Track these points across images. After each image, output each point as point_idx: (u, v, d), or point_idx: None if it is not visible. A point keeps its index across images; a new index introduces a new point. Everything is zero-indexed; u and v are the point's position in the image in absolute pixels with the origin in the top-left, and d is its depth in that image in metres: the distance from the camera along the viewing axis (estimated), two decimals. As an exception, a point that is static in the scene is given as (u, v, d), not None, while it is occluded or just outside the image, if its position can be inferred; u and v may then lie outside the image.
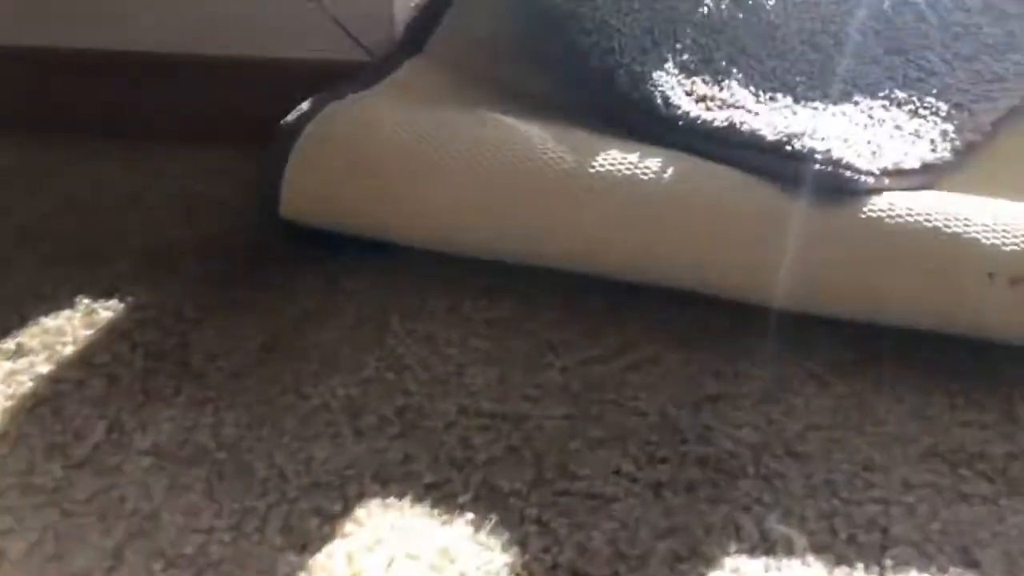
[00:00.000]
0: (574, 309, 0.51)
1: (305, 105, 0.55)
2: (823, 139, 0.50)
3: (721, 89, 0.57)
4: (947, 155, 0.56)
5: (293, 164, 0.53)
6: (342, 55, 0.71)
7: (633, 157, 0.51)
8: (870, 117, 0.58)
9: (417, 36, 0.65)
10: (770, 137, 0.50)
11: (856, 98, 0.60)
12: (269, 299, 0.51)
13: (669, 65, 0.57)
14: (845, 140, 0.50)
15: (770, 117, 0.53)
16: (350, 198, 0.53)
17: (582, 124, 0.58)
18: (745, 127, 0.51)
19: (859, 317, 0.49)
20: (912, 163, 0.52)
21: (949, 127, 0.57)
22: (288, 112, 0.61)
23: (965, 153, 0.58)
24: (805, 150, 0.48)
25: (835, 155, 0.48)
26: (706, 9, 0.61)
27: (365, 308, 0.51)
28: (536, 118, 0.58)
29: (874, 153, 0.50)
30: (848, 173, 0.47)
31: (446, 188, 0.51)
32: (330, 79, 0.66)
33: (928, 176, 0.54)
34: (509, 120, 0.55)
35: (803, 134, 0.50)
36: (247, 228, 0.58)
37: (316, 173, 0.53)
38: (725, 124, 0.52)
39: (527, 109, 0.60)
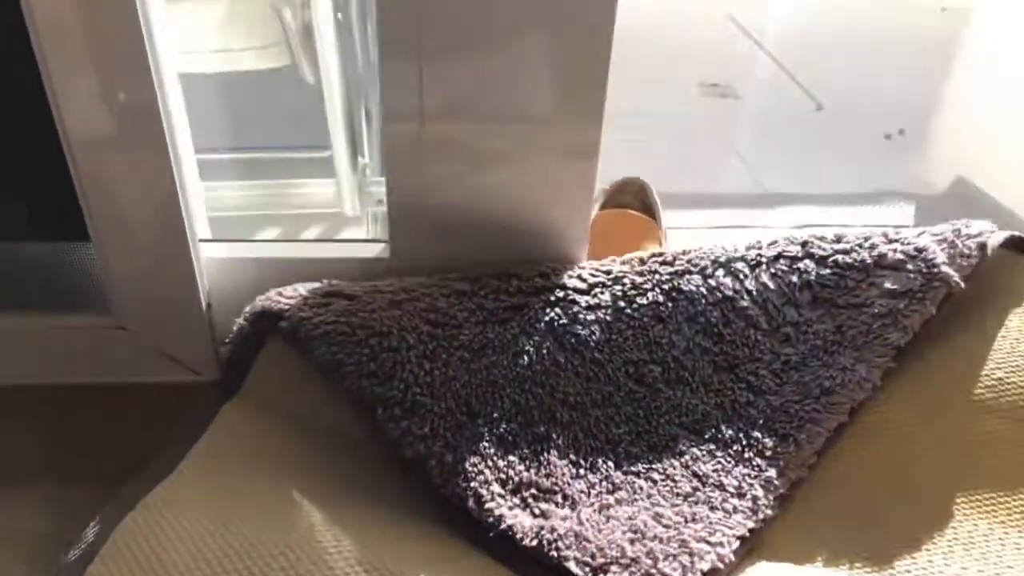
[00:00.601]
0: None
1: (90, 535, 0.51)
2: (634, 565, 0.49)
3: (540, 467, 0.55)
4: (769, 512, 0.55)
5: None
6: (172, 376, 0.68)
7: (440, 590, 0.49)
8: (694, 475, 0.57)
9: (233, 376, 0.61)
10: (577, 570, 0.48)
11: (681, 445, 0.59)
12: None
13: (485, 443, 0.55)
14: (654, 562, 0.49)
15: (582, 527, 0.51)
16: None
17: (409, 499, 0.56)
18: (553, 553, 0.49)
19: None
20: (729, 553, 0.52)
21: (773, 472, 0.57)
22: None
23: (789, 496, 0.58)
24: (612, 593, 0.47)
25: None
26: (526, 358, 0.59)
27: None
28: (358, 496, 0.56)
29: (685, 568, 0.49)
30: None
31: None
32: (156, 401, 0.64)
33: (748, 545, 0.54)
34: (318, 526, 0.52)
35: (611, 564, 0.48)
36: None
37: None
38: (534, 544, 0.50)
39: (347, 479, 0.58)
